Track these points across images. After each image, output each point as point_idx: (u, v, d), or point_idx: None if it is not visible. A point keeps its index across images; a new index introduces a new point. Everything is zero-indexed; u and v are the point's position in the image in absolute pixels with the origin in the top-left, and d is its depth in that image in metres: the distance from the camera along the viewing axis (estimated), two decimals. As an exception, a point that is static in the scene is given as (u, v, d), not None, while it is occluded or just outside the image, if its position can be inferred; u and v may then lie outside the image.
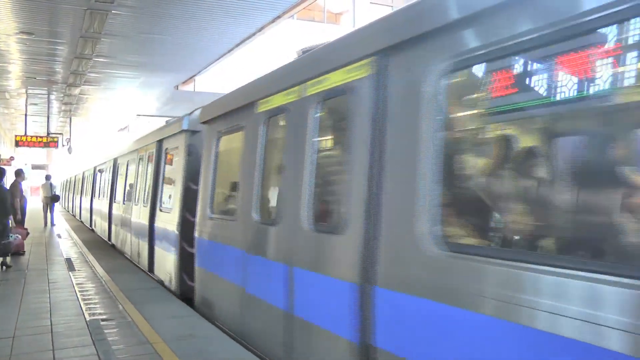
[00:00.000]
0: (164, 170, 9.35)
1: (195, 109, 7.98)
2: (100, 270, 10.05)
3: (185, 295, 7.62)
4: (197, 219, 6.87)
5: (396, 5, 26.44)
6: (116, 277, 9.17)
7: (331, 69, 3.93)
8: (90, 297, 7.64)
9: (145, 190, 10.26)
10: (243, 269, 5.32)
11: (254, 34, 12.43)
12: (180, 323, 6.15)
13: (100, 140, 35.73)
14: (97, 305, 7.07)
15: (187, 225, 7.58)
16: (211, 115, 6.67)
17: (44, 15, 10.81)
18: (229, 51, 13.91)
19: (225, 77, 19.35)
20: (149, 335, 5.62)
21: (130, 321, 6.21)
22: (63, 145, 25.82)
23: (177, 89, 18.45)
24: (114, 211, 14.18)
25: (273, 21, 11.52)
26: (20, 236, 11.73)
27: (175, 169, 8.52)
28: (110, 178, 15.30)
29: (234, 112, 5.94)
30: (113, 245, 14.04)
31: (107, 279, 9.07)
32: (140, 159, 11.33)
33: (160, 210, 9.11)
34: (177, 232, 7.91)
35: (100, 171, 18.22)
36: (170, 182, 8.79)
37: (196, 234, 6.88)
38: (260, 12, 10.94)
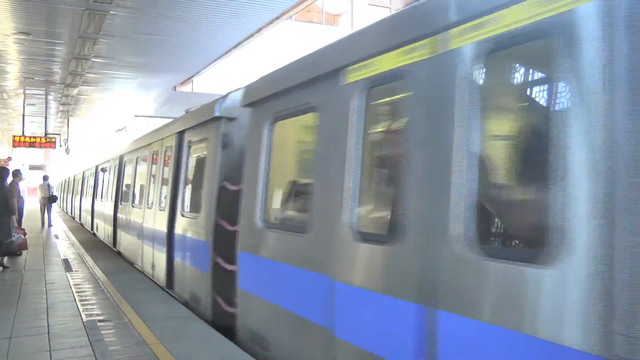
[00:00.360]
0: (186, 168, 7.96)
1: (231, 91, 6.73)
2: (97, 271, 10.03)
3: (220, 322, 6.15)
4: (241, 229, 5.44)
5: (394, 7, 26.53)
6: (113, 278, 9.15)
7: (506, 3, 2.56)
8: (87, 298, 7.62)
9: (160, 191, 9.00)
10: (328, 304, 3.87)
11: (252, 35, 12.44)
12: (177, 324, 6.14)
13: (99, 141, 35.70)
14: (94, 306, 7.05)
15: (222, 235, 6.20)
16: (262, 94, 5.20)
17: (41, 15, 10.81)
18: (227, 52, 13.92)
19: (223, 78, 19.35)
20: (146, 336, 5.61)
21: (127, 322, 6.20)
22: (61, 146, 25.82)
23: (175, 89, 18.45)
24: (119, 214, 12.84)
25: (271, 22, 11.54)
26: (22, 236, 11.72)
27: (203, 166, 7.08)
28: (116, 177, 13.94)
29: (298, 87, 4.55)
30: (119, 253, 12.70)
31: (104, 279, 9.06)
32: (153, 155, 9.96)
33: (182, 215, 7.72)
34: (208, 243, 6.48)
35: (104, 170, 17.13)
36: (197, 181, 7.47)
37: (239, 248, 5.48)
38: (258, 13, 10.95)
